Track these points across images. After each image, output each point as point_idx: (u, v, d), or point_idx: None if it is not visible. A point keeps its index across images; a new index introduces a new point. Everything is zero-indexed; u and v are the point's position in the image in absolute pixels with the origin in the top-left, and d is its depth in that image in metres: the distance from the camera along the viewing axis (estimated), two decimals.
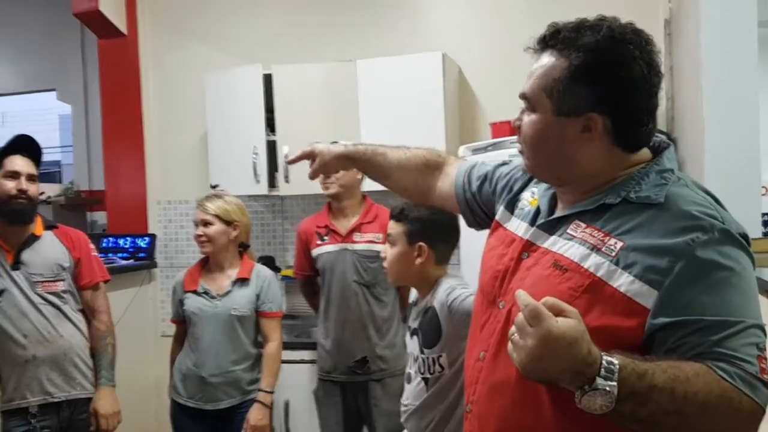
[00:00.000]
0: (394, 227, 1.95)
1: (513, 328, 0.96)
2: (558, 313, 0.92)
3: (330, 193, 2.87)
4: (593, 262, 1.03)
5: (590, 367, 0.89)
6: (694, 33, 2.34)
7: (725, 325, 0.93)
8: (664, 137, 1.16)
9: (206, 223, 2.59)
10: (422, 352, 1.88)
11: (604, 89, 1.05)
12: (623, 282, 0.99)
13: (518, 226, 1.25)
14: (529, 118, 1.13)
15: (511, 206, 1.32)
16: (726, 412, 0.91)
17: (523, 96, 1.14)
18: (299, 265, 3.09)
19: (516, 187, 1.34)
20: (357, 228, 2.88)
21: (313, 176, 1.72)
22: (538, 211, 1.22)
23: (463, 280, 1.93)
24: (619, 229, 1.04)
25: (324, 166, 1.68)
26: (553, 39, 1.10)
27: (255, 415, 2.53)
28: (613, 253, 1.02)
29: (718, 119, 2.15)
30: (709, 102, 2.17)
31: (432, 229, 1.90)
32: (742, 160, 2.12)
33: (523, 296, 0.94)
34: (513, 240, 1.24)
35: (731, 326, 0.93)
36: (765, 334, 0.96)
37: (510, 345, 0.96)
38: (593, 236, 1.06)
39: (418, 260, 1.90)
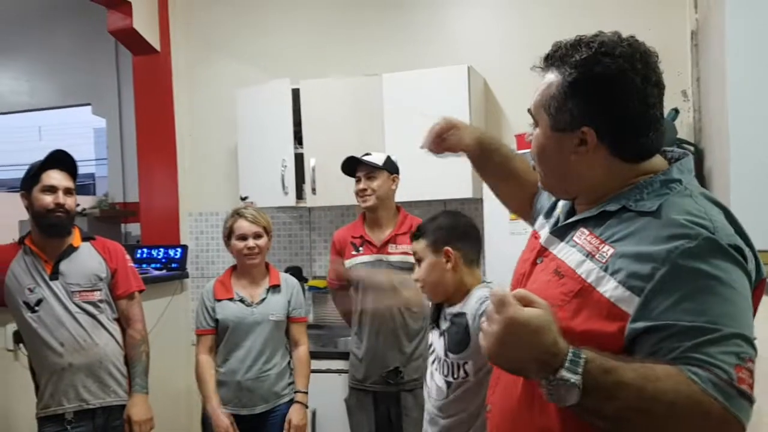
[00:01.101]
0: (416, 245, 1.99)
1: (483, 318, 0.99)
2: (527, 304, 0.94)
3: (367, 206, 2.87)
4: (586, 269, 1.06)
5: (555, 357, 0.91)
6: (719, 44, 2.33)
7: (701, 331, 0.92)
8: (680, 150, 1.18)
9: (258, 235, 2.64)
10: (447, 355, 1.90)
11: (594, 103, 1.08)
12: (609, 287, 1.02)
13: (544, 233, 1.29)
14: (534, 134, 1.19)
15: (549, 214, 1.35)
16: (694, 415, 0.90)
17: (528, 111, 1.20)
18: (333, 274, 3.10)
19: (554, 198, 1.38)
20: (392, 239, 2.88)
21: (446, 148, 1.69)
22: (558, 219, 1.26)
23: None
24: (614, 236, 1.06)
25: (460, 140, 1.65)
26: (553, 57, 1.14)
27: (296, 415, 2.60)
28: (604, 260, 1.04)
29: (743, 130, 2.13)
30: (734, 112, 2.16)
31: (452, 232, 1.96)
32: None
33: (496, 291, 0.97)
34: (535, 246, 1.28)
35: (708, 333, 0.92)
36: (751, 347, 0.94)
37: (481, 334, 0.99)
38: (590, 243, 1.09)
39: (449, 265, 1.92)
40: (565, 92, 1.10)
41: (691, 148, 3.01)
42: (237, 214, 2.68)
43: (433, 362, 1.98)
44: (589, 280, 1.05)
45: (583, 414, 0.93)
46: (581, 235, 1.12)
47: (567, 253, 1.13)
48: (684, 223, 0.99)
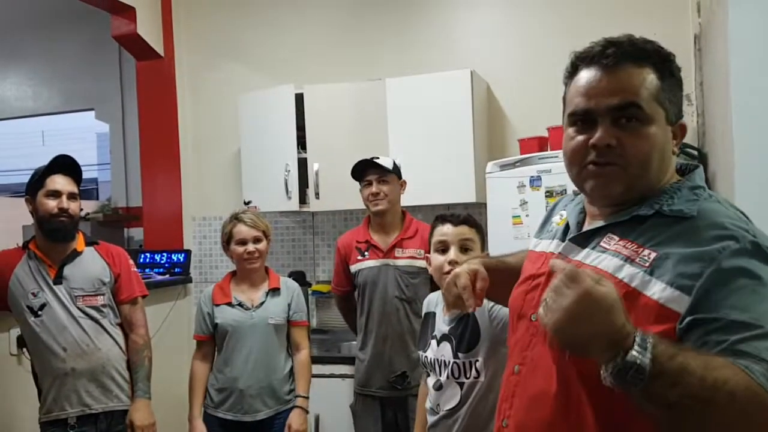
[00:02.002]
0: (470, 232, 1.97)
1: (546, 293, 0.94)
2: (595, 282, 0.91)
3: (378, 210, 2.85)
4: (627, 273, 1.04)
5: (626, 338, 0.88)
6: (722, 48, 2.33)
7: (746, 327, 0.92)
8: (691, 161, 1.20)
9: (257, 240, 2.64)
10: (456, 356, 1.89)
11: (682, 97, 1.14)
12: (656, 290, 1.00)
13: (549, 245, 1.27)
14: (637, 130, 1.08)
15: (540, 233, 1.34)
16: (752, 407, 0.88)
17: (624, 106, 1.08)
18: (337, 280, 3.09)
19: (545, 217, 1.37)
20: (398, 243, 2.87)
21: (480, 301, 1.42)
22: (567, 228, 1.24)
23: None
24: (652, 240, 1.05)
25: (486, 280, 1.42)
26: (624, 52, 1.10)
27: (297, 420, 2.60)
28: (647, 264, 1.03)
29: (747, 134, 2.13)
30: (737, 117, 2.16)
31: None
32: None
33: (559, 263, 0.95)
34: (542, 256, 1.25)
35: (754, 329, 0.92)
36: None
37: (541, 309, 0.94)
38: (627, 248, 1.07)
39: None
40: (669, 85, 1.11)
41: (695, 153, 3.01)
42: (236, 218, 2.67)
43: (438, 372, 1.96)
44: (633, 285, 1.03)
45: (643, 401, 0.90)
46: (610, 241, 1.10)
47: (597, 258, 1.11)
48: (728, 225, 1.00)
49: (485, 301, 1.84)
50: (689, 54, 3.24)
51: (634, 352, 0.86)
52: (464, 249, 1.94)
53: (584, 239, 1.17)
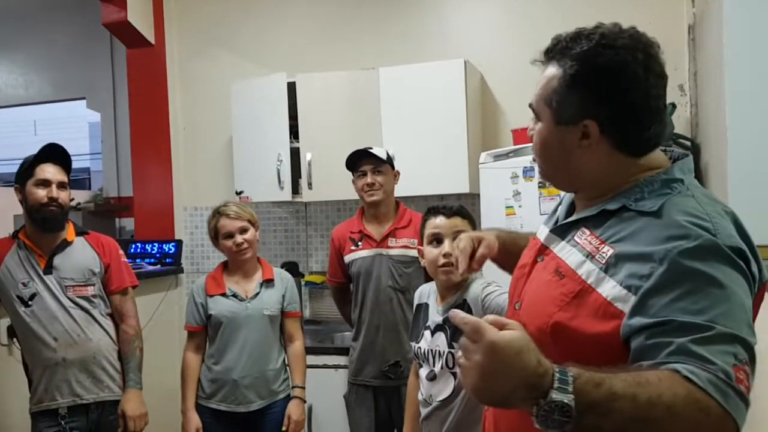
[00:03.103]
0: (461, 223, 1.95)
1: (459, 353, 0.91)
2: (501, 327, 0.88)
3: (373, 200, 2.83)
4: (586, 269, 1.05)
5: (542, 378, 0.84)
6: (717, 38, 2.33)
7: (698, 329, 0.89)
8: (682, 150, 1.17)
9: (244, 230, 2.61)
10: (451, 346, 1.90)
11: (596, 95, 1.07)
12: (607, 288, 1.00)
13: (542, 232, 1.28)
14: (536, 128, 1.17)
15: (548, 219, 1.34)
16: (693, 415, 0.84)
17: (530, 106, 1.18)
18: (332, 271, 3.09)
19: (558, 204, 1.36)
20: (392, 233, 2.87)
21: (477, 266, 1.46)
22: (558, 218, 1.25)
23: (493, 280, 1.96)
24: (614, 236, 1.05)
25: (490, 248, 1.45)
26: (553, 50, 1.13)
27: (296, 410, 2.60)
28: (603, 260, 1.03)
29: (741, 124, 2.13)
30: (731, 107, 2.16)
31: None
32: (766, 166, 2.10)
33: (459, 316, 0.91)
34: (535, 244, 1.27)
35: (704, 330, 0.89)
36: (748, 350, 0.91)
37: (459, 372, 0.92)
38: (591, 243, 1.08)
39: None
40: (567, 85, 1.09)
41: (688, 143, 3.01)
42: (218, 213, 2.64)
43: (432, 363, 1.96)
44: (589, 281, 1.04)
45: None
46: (582, 235, 1.11)
47: (567, 252, 1.12)
48: (684, 224, 0.98)
49: (480, 290, 1.86)
50: (683, 44, 3.24)
51: (554, 393, 0.82)
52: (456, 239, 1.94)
53: (564, 230, 1.18)
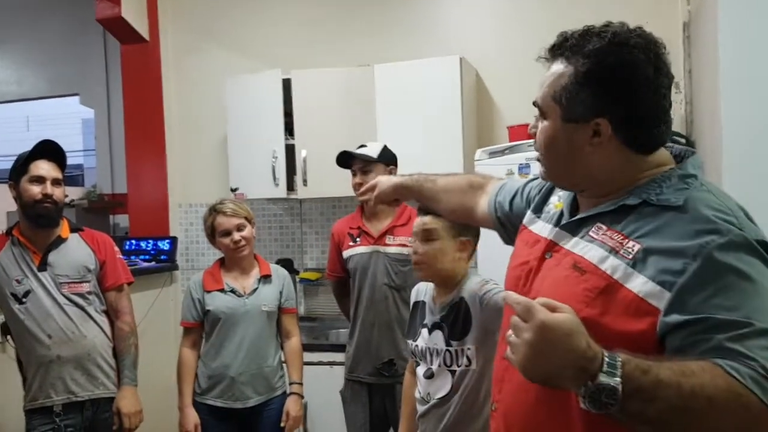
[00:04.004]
0: (433, 222, 1.93)
1: (509, 331, 0.95)
2: (552, 309, 0.90)
3: (363, 199, 2.81)
4: (611, 264, 1.04)
5: (591, 362, 0.87)
6: (712, 36, 2.33)
7: (736, 325, 0.91)
8: (684, 147, 1.17)
9: (241, 227, 2.61)
10: (449, 344, 1.90)
11: (609, 93, 1.07)
12: (638, 284, 1.00)
13: (543, 228, 1.27)
14: (541, 126, 1.16)
15: (539, 210, 1.33)
16: (735, 407, 0.87)
17: (535, 104, 1.17)
18: (331, 266, 3.08)
19: (545, 193, 1.36)
20: (389, 231, 2.85)
21: (375, 204, 1.86)
22: (562, 214, 1.24)
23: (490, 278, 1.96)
24: (637, 231, 1.05)
25: (382, 193, 1.79)
26: (561, 47, 1.12)
27: (294, 406, 2.61)
28: (630, 256, 1.02)
29: (735, 122, 2.14)
30: (726, 104, 2.17)
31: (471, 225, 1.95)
32: (761, 164, 2.11)
33: (512, 296, 0.94)
34: (537, 241, 1.25)
35: (742, 327, 0.91)
36: None
37: (508, 349, 0.94)
38: (612, 239, 1.07)
39: (459, 254, 1.93)
40: (579, 82, 1.08)
41: (683, 141, 3.02)
42: (215, 210, 2.63)
43: (429, 361, 1.96)
44: (615, 276, 1.03)
45: (624, 419, 0.89)
46: (598, 231, 1.10)
47: (584, 248, 1.11)
48: (712, 218, 0.99)
49: (478, 287, 1.87)
50: (678, 42, 3.25)
51: (602, 376, 0.86)
52: (425, 239, 1.93)
53: (575, 226, 1.17)
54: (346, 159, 2.84)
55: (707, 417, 0.87)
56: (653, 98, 1.08)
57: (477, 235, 1.98)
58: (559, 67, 1.12)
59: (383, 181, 1.79)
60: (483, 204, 1.56)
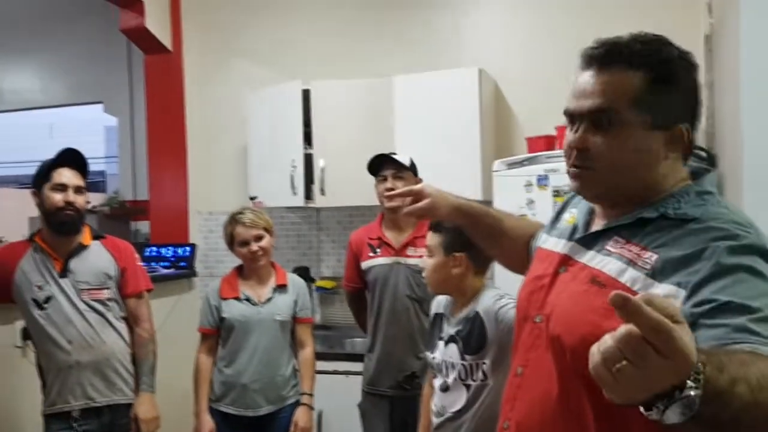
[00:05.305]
0: (432, 238, 2.00)
1: (608, 348, 0.71)
2: (663, 315, 0.69)
3: (392, 206, 2.72)
4: (630, 276, 1.04)
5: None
6: (733, 49, 2.31)
7: (750, 310, 0.88)
8: (700, 165, 1.17)
9: (259, 237, 2.62)
10: (463, 358, 1.89)
11: (688, 100, 1.09)
12: (657, 291, 0.99)
13: (556, 243, 1.26)
14: (610, 135, 1.08)
15: (551, 228, 1.33)
16: None
17: (599, 110, 1.09)
18: (348, 276, 3.05)
19: (557, 212, 1.36)
20: (411, 242, 2.82)
21: (416, 215, 1.59)
22: (575, 228, 1.23)
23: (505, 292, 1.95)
24: (655, 242, 1.04)
25: (433, 210, 1.55)
26: (618, 54, 1.08)
27: (303, 417, 2.61)
28: (649, 266, 1.02)
29: (757, 135, 2.12)
30: (747, 117, 2.14)
31: (468, 239, 1.92)
32: None
33: (619, 298, 0.71)
34: (550, 256, 1.25)
35: (756, 312, 0.88)
36: None
37: (602, 370, 0.72)
38: (630, 251, 1.06)
39: (455, 270, 1.94)
40: (660, 89, 1.06)
41: (704, 154, 2.99)
42: (234, 220, 2.65)
43: (445, 374, 1.95)
44: (635, 288, 1.02)
45: (693, 428, 0.74)
46: (616, 244, 1.10)
47: (602, 261, 1.10)
48: (730, 228, 0.99)
49: (492, 302, 1.86)
50: (699, 54, 3.22)
51: (691, 388, 0.71)
52: (429, 255, 2.02)
53: (590, 240, 1.16)
54: (377, 165, 2.81)
55: None
56: (700, 107, 1.11)
57: (474, 251, 1.91)
58: (623, 73, 1.07)
59: (437, 196, 1.55)
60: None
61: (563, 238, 1.25)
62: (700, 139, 3.22)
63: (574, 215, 1.27)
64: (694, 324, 0.92)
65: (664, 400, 0.72)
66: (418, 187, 1.59)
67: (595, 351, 0.72)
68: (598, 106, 1.08)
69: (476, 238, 1.63)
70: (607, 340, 0.71)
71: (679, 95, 1.08)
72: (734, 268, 0.94)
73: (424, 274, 2.04)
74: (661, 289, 0.99)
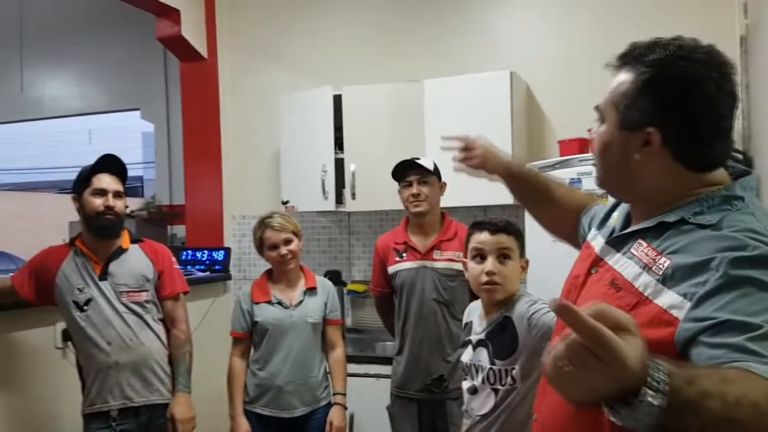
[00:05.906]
0: (509, 241, 1.91)
1: (558, 349, 0.78)
2: (615, 325, 0.76)
3: (418, 211, 2.80)
4: (643, 282, 1.04)
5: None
6: None
7: (750, 328, 0.87)
8: (744, 167, 1.15)
9: (288, 241, 2.66)
10: (493, 363, 1.88)
11: (664, 104, 1.06)
12: (665, 299, 0.99)
13: (598, 242, 1.27)
14: (598, 130, 1.17)
15: (602, 225, 1.33)
16: None
17: (596, 108, 1.18)
18: (376, 281, 3.06)
19: (610, 208, 1.36)
20: (437, 245, 2.82)
21: (471, 167, 1.70)
22: (614, 229, 1.24)
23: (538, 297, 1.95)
24: (670, 248, 1.04)
25: (484, 163, 1.67)
26: (628, 56, 1.12)
27: (337, 416, 2.63)
28: (660, 272, 1.02)
29: None
30: None
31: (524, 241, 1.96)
32: None
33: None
34: (590, 254, 1.26)
35: (755, 329, 0.87)
36: None
37: (550, 369, 0.79)
38: (648, 255, 1.07)
39: (522, 275, 1.95)
40: (637, 90, 1.08)
41: (740, 156, 2.94)
42: (263, 224, 2.68)
43: (475, 377, 1.95)
44: (646, 293, 1.03)
45: None
46: (639, 247, 1.10)
47: (624, 264, 1.11)
48: (741, 237, 0.97)
49: (525, 308, 1.86)
50: (735, 56, 3.17)
51: (649, 395, 0.75)
52: (502, 258, 1.91)
53: (619, 242, 1.17)
54: (401, 170, 2.83)
55: (751, 426, 0.79)
56: (710, 116, 1.05)
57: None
58: (623, 74, 1.12)
59: (491, 151, 1.65)
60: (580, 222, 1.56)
61: (603, 238, 1.25)
62: (736, 140, 3.17)
63: (619, 214, 1.28)
64: (693, 340, 0.93)
65: (622, 404, 0.76)
66: (470, 138, 1.66)
67: (549, 354, 0.79)
68: (598, 103, 1.17)
69: (522, 200, 1.71)
70: (559, 345, 0.77)
71: (652, 98, 1.07)
72: (741, 281, 0.92)
73: (495, 278, 1.90)
74: (668, 298, 0.99)
